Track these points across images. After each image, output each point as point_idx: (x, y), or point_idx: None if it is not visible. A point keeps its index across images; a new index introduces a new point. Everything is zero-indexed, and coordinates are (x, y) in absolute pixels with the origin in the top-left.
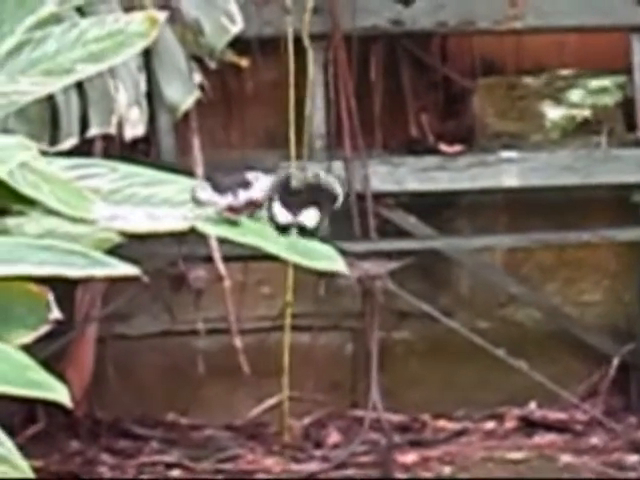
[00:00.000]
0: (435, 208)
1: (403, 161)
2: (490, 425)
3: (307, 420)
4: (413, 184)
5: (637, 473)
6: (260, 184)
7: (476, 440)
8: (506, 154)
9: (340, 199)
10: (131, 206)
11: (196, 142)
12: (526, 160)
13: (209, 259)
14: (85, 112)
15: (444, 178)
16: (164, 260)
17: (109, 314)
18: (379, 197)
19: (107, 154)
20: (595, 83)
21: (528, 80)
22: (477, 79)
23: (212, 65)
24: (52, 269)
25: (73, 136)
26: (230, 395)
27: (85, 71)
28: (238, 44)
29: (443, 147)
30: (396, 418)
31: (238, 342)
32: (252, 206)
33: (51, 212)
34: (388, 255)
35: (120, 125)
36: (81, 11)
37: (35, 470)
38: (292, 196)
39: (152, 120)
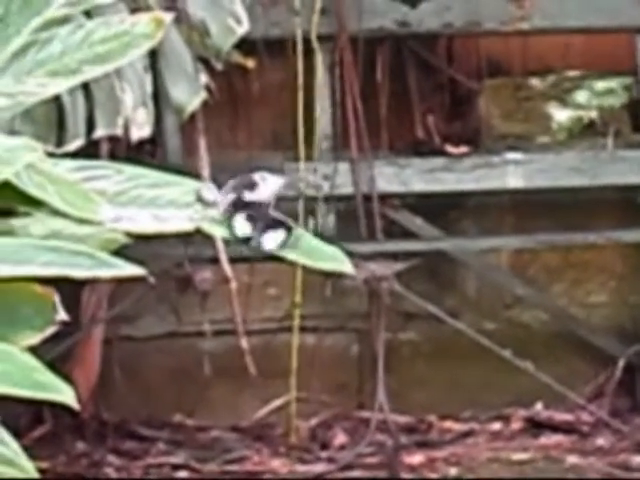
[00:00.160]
0: (441, 209)
1: (409, 162)
2: (496, 426)
3: (313, 421)
4: (419, 185)
5: None
6: (266, 185)
7: (482, 441)
8: (512, 155)
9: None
10: (137, 207)
11: (202, 143)
12: (532, 161)
13: (215, 260)
14: (91, 113)
15: (450, 179)
16: (170, 261)
17: (115, 315)
18: (385, 198)
19: (113, 155)
20: (601, 84)
21: (534, 81)
22: (483, 80)
23: (218, 66)
24: (58, 270)
25: (79, 137)
26: (236, 396)
27: (91, 72)
28: (244, 45)
29: (449, 148)
30: (402, 419)
31: (244, 343)
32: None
33: (57, 213)
34: (394, 256)
35: (126, 126)
36: (87, 12)
37: (41, 472)
38: (259, 209)
39: (158, 121)
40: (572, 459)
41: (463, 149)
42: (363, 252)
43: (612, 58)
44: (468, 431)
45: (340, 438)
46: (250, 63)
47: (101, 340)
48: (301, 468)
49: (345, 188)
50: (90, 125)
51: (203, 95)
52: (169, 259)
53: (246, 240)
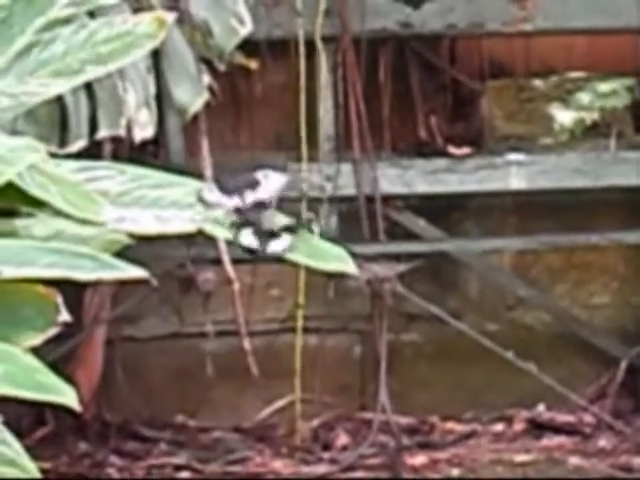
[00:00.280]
0: (444, 210)
1: (412, 163)
2: (498, 427)
3: (316, 422)
4: (422, 186)
5: None
6: (269, 183)
7: (484, 442)
8: (515, 157)
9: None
10: (139, 208)
11: (205, 144)
12: (535, 163)
13: (218, 261)
14: (94, 114)
15: (453, 180)
16: (173, 263)
17: (118, 316)
18: (388, 199)
19: (116, 156)
20: (604, 86)
21: (537, 83)
22: (486, 81)
23: (221, 67)
24: (61, 272)
25: (82, 138)
26: (239, 397)
27: (94, 72)
28: (247, 46)
29: (452, 149)
30: (405, 420)
31: (247, 344)
32: (260, 207)
33: (59, 214)
34: (397, 257)
35: (129, 127)
36: (90, 13)
37: (43, 472)
38: (263, 214)
39: (161, 122)
40: (574, 460)
41: (466, 150)
42: (366, 253)
43: (615, 59)
44: (470, 432)
45: (342, 439)
46: (253, 64)
47: (103, 341)
48: (303, 469)
49: (348, 189)
50: (93, 126)
51: (206, 96)
52: (172, 260)
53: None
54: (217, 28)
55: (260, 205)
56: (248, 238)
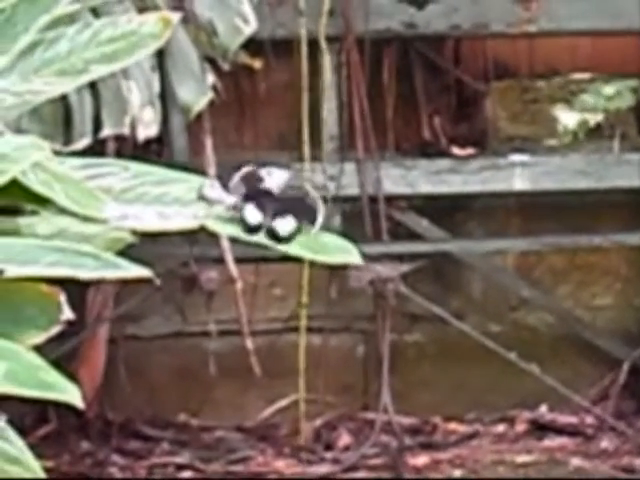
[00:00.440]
0: (447, 211)
1: (415, 164)
2: (501, 428)
3: (318, 422)
4: (425, 187)
5: None
6: (272, 179)
7: (487, 443)
8: (518, 158)
9: (319, 220)
10: (142, 205)
11: (209, 143)
12: (538, 164)
13: (221, 260)
14: (98, 112)
15: (456, 181)
16: (176, 261)
17: (121, 315)
18: (391, 199)
19: (120, 154)
20: (608, 87)
21: (541, 84)
22: (490, 82)
23: (225, 66)
24: (64, 271)
25: (86, 136)
26: (241, 396)
27: (98, 71)
28: (251, 45)
29: (455, 150)
30: (407, 421)
31: (249, 344)
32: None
33: (63, 211)
34: (400, 258)
35: (133, 126)
36: (95, 11)
37: (46, 471)
38: (267, 198)
39: (165, 121)
40: (576, 462)
41: (469, 151)
42: (369, 253)
43: (619, 61)
44: (472, 433)
45: (344, 439)
46: (257, 63)
47: (106, 339)
48: (305, 469)
49: (351, 189)
50: (97, 124)
51: (210, 95)
52: (175, 259)
53: (257, 228)
54: (221, 27)
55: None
56: (254, 215)
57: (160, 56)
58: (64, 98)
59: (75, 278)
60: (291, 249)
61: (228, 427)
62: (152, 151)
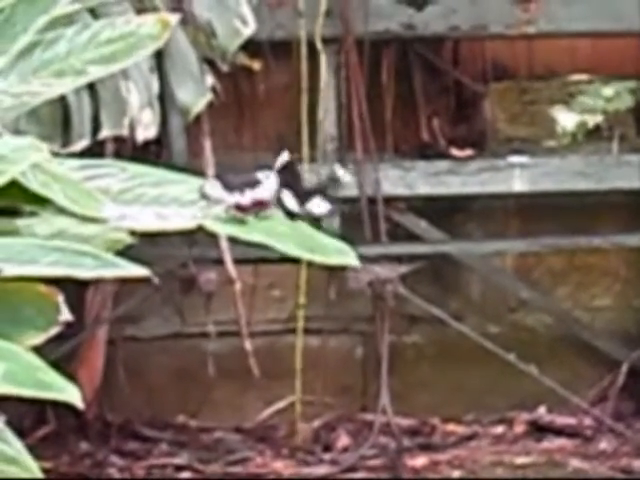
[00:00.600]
0: (446, 212)
1: (414, 165)
2: (499, 429)
3: (317, 423)
4: (424, 188)
5: None
6: (269, 183)
7: (485, 444)
8: (517, 159)
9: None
10: (140, 205)
11: (208, 144)
12: (537, 165)
13: (220, 262)
14: (97, 114)
15: (455, 182)
16: (175, 262)
17: (119, 316)
18: (390, 201)
19: (119, 156)
20: (607, 88)
21: (540, 85)
22: (489, 84)
23: (224, 68)
24: (63, 270)
25: (85, 137)
26: (240, 398)
27: (97, 72)
28: (250, 47)
29: (454, 151)
30: (406, 422)
31: (248, 345)
32: (260, 205)
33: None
34: (399, 259)
35: (132, 127)
36: (93, 12)
37: (45, 471)
38: (299, 188)
39: (164, 122)
40: (575, 463)
41: (468, 152)
42: (368, 255)
43: (618, 62)
44: (471, 434)
45: (343, 440)
46: (256, 65)
47: (105, 340)
48: (304, 470)
49: (350, 190)
50: (96, 125)
51: (209, 96)
52: (174, 260)
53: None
54: (220, 29)
55: (260, 203)
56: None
57: (159, 57)
58: (63, 99)
59: (74, 277)
60: (288, 249)
61: (227, 428)
62: (151, 152)
